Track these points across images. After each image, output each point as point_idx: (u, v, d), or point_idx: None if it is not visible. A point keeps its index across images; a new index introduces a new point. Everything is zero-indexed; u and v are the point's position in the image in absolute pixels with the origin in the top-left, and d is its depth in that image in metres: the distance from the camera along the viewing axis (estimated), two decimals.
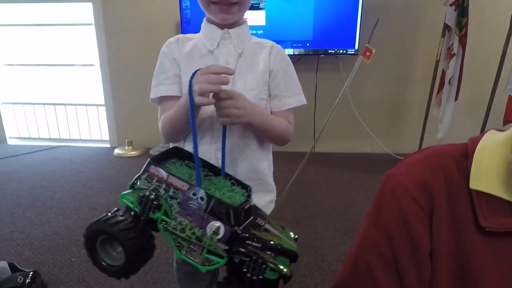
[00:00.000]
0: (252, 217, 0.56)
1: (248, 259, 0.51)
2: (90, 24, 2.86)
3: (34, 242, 1.62)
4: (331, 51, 2.52)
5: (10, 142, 3.34)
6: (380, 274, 0.46)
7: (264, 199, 0.80)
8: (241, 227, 0.53)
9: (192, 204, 0.53)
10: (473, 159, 0.45)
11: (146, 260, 0.58)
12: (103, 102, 3.09)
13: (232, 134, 0.73)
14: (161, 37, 2.70)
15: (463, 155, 0.47)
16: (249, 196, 0.61)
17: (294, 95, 0.79)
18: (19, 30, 3.07)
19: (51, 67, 3.15)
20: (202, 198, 0.53)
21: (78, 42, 3.02)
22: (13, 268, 1.27)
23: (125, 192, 0.59)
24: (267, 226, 0.56)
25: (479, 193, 0.43)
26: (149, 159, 0.58)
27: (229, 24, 0.74)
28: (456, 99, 2.42)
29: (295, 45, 2.46)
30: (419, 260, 0.44)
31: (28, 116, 3.33)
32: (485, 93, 2.32)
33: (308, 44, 2.49)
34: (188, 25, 2.47)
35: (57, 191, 2.20)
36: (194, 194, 0.53)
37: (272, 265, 0.50)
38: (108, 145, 3.19)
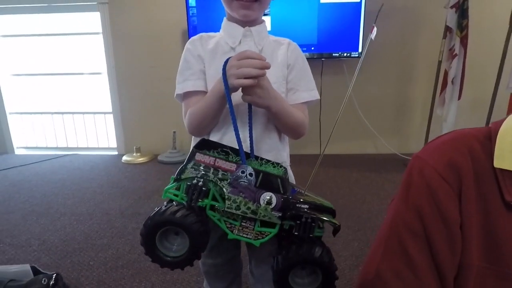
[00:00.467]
0: (291, 187, 0.62)
1: (298, 222, 0.57)
2: (97, 33, 2.92)
3: (51, 247, 1.64)
4: (335, 54, 2.57)
5: (17, 152, 3.37)
6: (413, 250, 0.48)
7: None
8: (288, 194, 0.58)
9: (243, 181, 0.57)
10: (497, 140, 0.48)
11: (207, 243, 0.61)
12: (110, 110, 3.13)
13: (256, 126, 0.76)
14: (168, 44, 2.79)
15: (487, 137, 0.49)
16: (285, 169, 0.65)
17: (308, 90, 0.82)
18: (27, 40, 3.12)
19: (59, 76, 3.20)
20: (250, 174, 0.57)
21: (86, 51, 3.07)
22: (35, 271, 1.28)
23: (168, 186, 0.62)
24: (306, 192, 0.62)
25: (503, 171, 0.46)
26: (192, 148, 0.61)
27: (249, 22, 0.78)
28: (459, 98, 2.47)
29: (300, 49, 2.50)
30: (450, 234, 0.46)
31: (36, 125, 3.37)
32: (487, 91, 2.37)
33: (312, 48, 2.55)
34: (195, 33, 2.52)
35: (69, 198, 2.22)
36: (243, 172, 0.57)
37: (325, 219, 0.58)
38: (116, 153, 3.21)
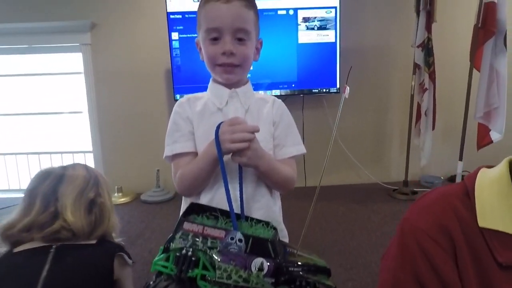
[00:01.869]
0: (283, 247, 0.61)
1: (292, 286, 0.55)
2: (79, 73, 2.91)
3: None
4: (315, 90, 2.69)
5: None
6: None
7: None
8: (280, 258, 0.56)
9: (232, 248, 0.56)
10: (476, 199, 0.50)
11: None
12: (90, 149, 3.05)
13: (247, 184, 0.77)
14: (152, 84, 2.82)
15: (465, 194, 0.52)
16: (275, 229, 0.65)
17: (294, 145, 0.86)
18: (4, 80, 3.06)
19: (36, 116, 3.11)
20: (240, 240, 0.56)
21: (66, 90, 3.03)
22: None
23: (156, 258, 0.60)
24: (299, 252, 0.61)
25: (489, 230, 0.48)
26: (180, 217, 0.61)
27: (234, 83, 0.82)
28: (433, 128, 2.61)
29: (281, 86, 2.60)
30: None
31: (9, 166, 3.21)
32: (459, 121, 2.51)
33: (293, 85, 2.64)
34: (178, 72, 2.57)
35: None
36: (232, 238, 0.56)
37: (319, 283, 0.55)
38: None
